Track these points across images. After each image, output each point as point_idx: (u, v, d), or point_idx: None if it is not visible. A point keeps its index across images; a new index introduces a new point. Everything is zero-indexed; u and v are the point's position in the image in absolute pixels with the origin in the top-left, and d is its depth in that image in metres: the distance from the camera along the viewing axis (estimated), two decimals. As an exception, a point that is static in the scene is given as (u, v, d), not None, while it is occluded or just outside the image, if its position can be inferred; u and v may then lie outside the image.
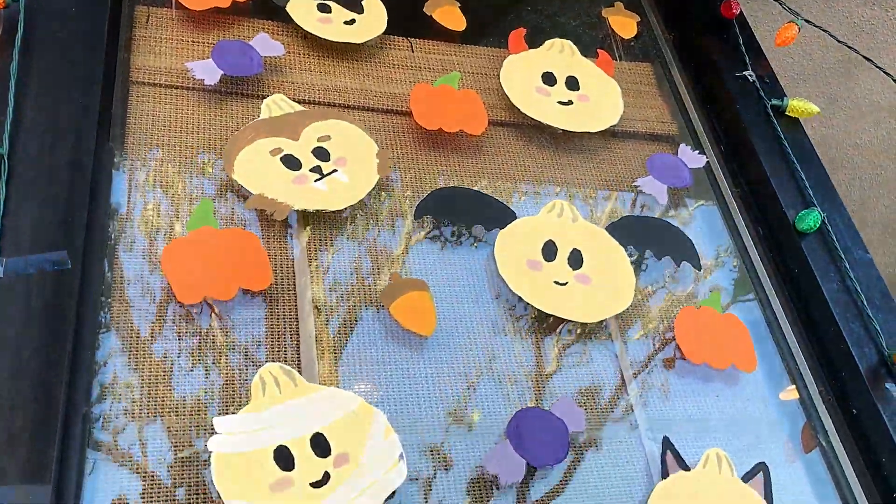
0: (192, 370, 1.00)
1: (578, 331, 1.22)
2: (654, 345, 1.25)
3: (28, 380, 0.88)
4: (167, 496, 0.91)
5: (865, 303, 1.26)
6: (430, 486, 1.02)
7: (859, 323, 1.25)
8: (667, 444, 1.13)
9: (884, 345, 1.22)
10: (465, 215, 1.24)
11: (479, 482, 1.03)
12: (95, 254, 1.02)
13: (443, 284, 1.20)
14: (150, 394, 0.97)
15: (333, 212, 1.19)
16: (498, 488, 1.04)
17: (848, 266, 1.30)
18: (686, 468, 1.12)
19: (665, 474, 1.11)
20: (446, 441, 1.07)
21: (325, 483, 0.95)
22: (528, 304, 1.18)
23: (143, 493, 0.90)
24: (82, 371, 0.93)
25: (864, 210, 2.53)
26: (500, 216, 1.26)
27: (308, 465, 0.96)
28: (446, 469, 1.04)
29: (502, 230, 1.25)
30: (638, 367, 1.22)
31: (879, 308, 1.27)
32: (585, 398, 1.16)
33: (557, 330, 1.21)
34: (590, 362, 1.20)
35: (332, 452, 0.97)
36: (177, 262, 1.05)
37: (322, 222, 1.19)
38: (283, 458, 0.95)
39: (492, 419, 1.10)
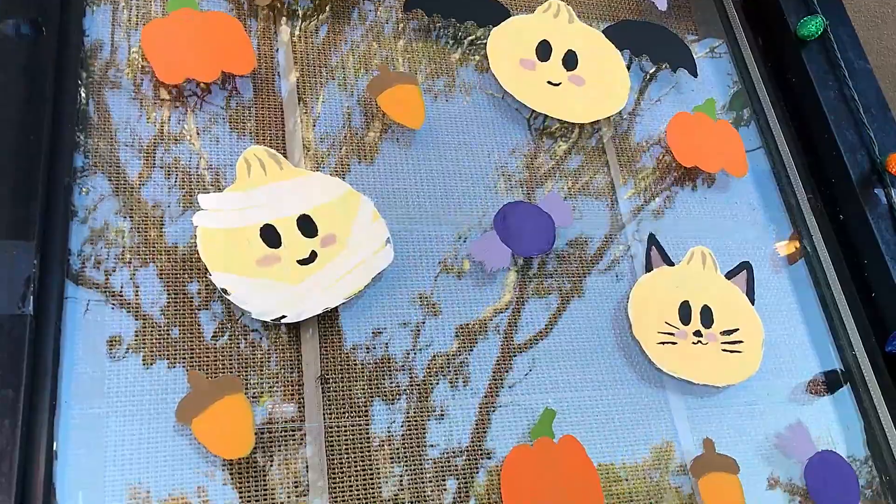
0: (182, 214, 0.98)
1: (568, 126, 1.20)
2: (646, 149, 1.23)
3: (8, 144, 0.86)
4: (161, 335, 0.90)
5: (862, 111, 1.24)
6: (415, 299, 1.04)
7: (854, 130, 1.24)
8: (652, 240, 1.14)
9: (877, 151, 1.21)
10: (458, 9, 1.19)
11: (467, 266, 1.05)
12: (72, 19, 0.98)
13: (432, 82, 1.17)
14: (141, 238, 0.95)
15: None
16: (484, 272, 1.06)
17: (847, 75, 1.27)
18: (670, 263, 1.13)
19: (649, 269, 1.12)
20: (432, 234, 1.07)
21: (312, 261, 0.96)
22: (522, 103, 1.16)
23: (138, 333, 0.90)
24: (64, 138, 0.91)
25: (866, 53, 2.47)
26: (494, 13, 1.21)
27: (295, 243, 0.96)
28: (432, 273, 1.05)
29: (495, 28, 1.20)
30: (629, 170, 1.21)
31: (875, 117, 1.25)
32: (574, 193, 1.16)
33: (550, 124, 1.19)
34: (581, 163, 1.18)
35: (319, 233, 0.97)
36: (157, 41, 1.01)
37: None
38: (270, 236, 0.95)
39: (478, 215, 1.10)
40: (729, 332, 1.10)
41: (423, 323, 1.01)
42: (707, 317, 1.09)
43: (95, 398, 0.85)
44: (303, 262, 0.95)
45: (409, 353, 0.99)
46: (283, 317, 0.92)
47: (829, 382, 1.17)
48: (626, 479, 1.00)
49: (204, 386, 0.86)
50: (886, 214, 1.18)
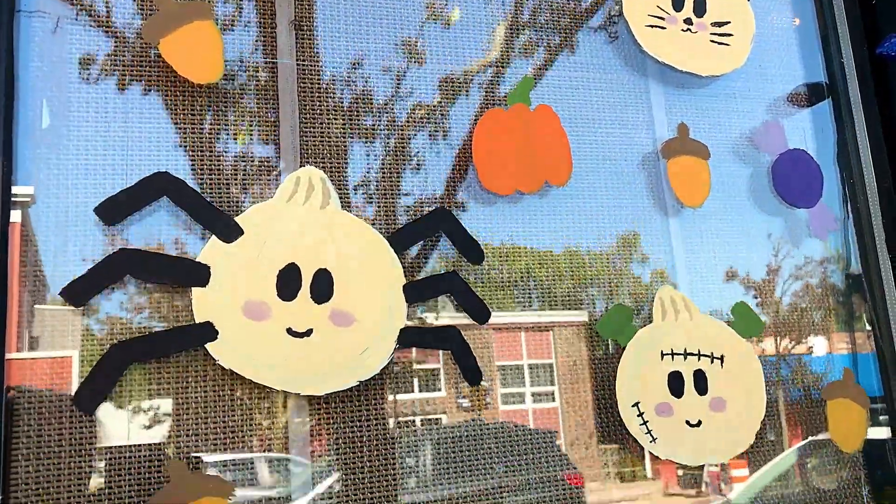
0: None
1: None
2: None
3: None
4: (136, 55, 0.84)
5: None
6: None
7: None
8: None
9: None
10: None
11: None
12: None
13: None
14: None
15: None
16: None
17: None
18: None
19: (647, -49, 1.06)
20: None
21: None
22: None
23: (112, 54, 0.83)
24: None
25: None
26: None
27: None
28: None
29: None
30: None
31: None
32: None
33: None
34: None
35: None
36: None
37: None
38: None
39: None
40: (720, 24, 1.06)
41: (406, 71, 0.96)
42: (700, 6, 1.05)
43: None
44: None
45: (390, 100, 0.94)
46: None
47: (811, 94, 1.16)
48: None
49: (172, 7, 0.82)
50: (905, -86, 1.11)
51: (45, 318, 0.78)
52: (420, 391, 0.90)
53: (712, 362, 0.97)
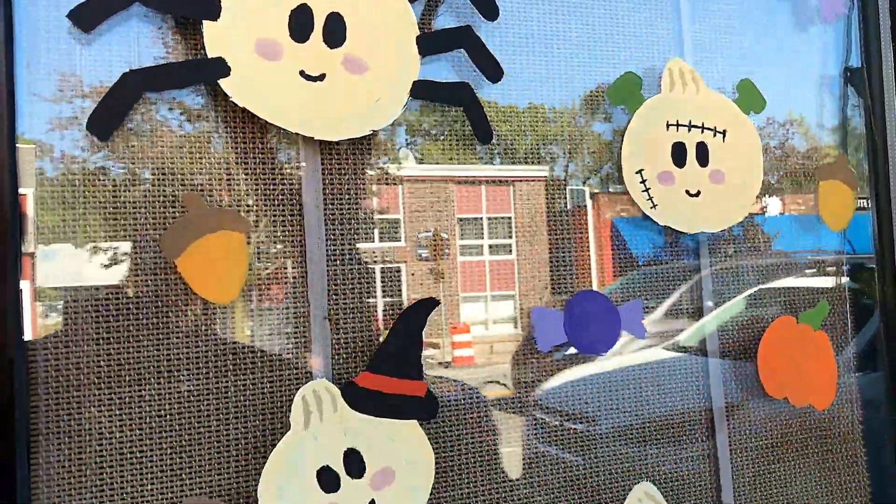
0: None
1: None
2: None
3: None
4: None
5: None
6: None
7: None
8: None
9: None
10: None
11: None
12: None
13: None
14: None
15: None
16: None
17: None
18: None
19: None
20: None
21: None
22: None
23: None
24: None
25: None
26: None
27: None
28: None
29: None
30: None
31: None
32: None
33: None
34: None
35: None
36: None
37: None
38: None
39: None
40: None
41: None
42: None
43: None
44: None
45: None
46: None
47: None
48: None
49: None
50: None
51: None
52: (381, 241, 0.90)
53: (714, 136, 0.98)
